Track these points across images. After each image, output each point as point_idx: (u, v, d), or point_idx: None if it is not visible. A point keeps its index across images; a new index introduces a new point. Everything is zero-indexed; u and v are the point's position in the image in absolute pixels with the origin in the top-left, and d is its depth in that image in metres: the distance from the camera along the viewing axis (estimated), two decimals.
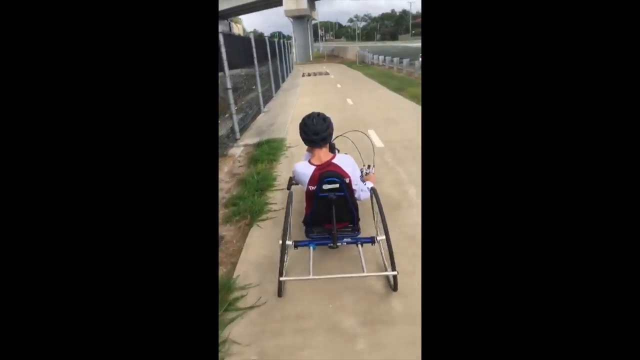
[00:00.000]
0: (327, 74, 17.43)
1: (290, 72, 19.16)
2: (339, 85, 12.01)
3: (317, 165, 1.91)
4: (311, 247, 1.94)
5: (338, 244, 1.92)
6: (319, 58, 34.51)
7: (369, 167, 2.34)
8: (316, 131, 1.88)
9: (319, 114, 1.95)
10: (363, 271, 1.83)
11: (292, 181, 2.09)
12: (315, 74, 17.44)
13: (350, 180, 1.89)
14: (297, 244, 1.97)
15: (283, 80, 14.04)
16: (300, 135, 1.95)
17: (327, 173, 1.82)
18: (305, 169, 1.92)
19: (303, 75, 16.97)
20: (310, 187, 1.89)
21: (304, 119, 1.95)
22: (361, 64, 21.74)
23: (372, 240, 1.95)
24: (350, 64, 22.91)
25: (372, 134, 4.97)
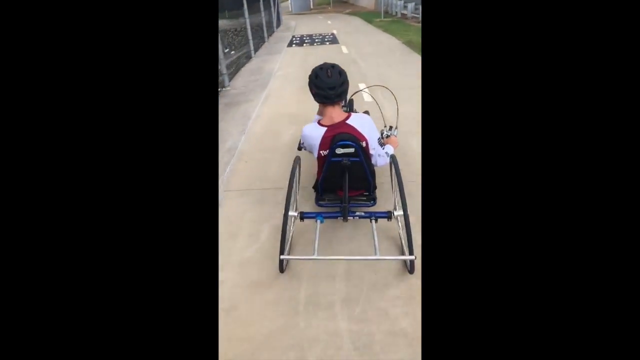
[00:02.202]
0: (333, 39, 9.68)
1: (274, 31, 11.61)
2: (364, 90, 4.88)
3: (328, 126, 1.70)
4: (318, 221, 1.78)
5: (349, 217, 1.78)
6: (322, 5, 25.78)
7: (390, 128, 2.09)
8: (332, 85, 1.65)
9: (333, 65, 1.72)
10: (376, 253, 1.63)
11: (302, 145, 1.90)
12: (313, 40, 9.75)
13: (367, 144, 1.72)
14: (303, 216, 1.83)
15: (249, 59, 6.80)
16: (311, 89, 1.73)
17: (341, 136, 1.62)
18: (314, 132, 1.72)
19: (291, 45, 9.40)
20: (321, 152, 1.72)
21: (315, 71, 1.72)
22: (387, 18, 13.94)
23: (388, 216, 1.79)
24: (369, 17, 14.87)
25: None
